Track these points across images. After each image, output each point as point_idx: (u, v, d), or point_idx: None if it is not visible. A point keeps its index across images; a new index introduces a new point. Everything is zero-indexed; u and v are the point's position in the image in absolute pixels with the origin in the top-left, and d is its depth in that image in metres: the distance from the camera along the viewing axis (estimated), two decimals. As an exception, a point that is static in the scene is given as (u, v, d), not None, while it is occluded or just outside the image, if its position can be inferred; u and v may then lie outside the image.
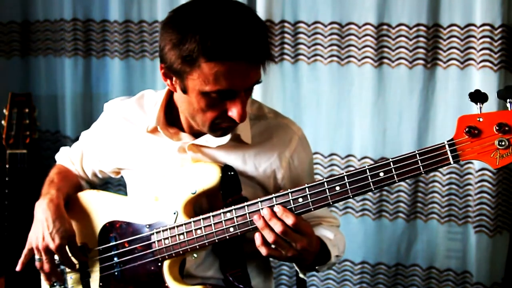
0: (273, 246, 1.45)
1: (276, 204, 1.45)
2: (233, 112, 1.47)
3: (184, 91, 1.49)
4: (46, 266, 1.66)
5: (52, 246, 1.61)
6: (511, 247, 2.54)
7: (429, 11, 2.46)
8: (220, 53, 1.37)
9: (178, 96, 1.57)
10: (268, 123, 1.69)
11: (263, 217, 1.44)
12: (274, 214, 1.44)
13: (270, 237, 1.43)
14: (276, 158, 1.66)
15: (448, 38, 2.46)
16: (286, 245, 1.44)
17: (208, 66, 1.39)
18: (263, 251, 1.46)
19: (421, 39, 2.47)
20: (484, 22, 2.35)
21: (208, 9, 1.41)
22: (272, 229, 1.43)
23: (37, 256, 1.66)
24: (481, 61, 2.37)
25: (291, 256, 1.46)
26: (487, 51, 2.36)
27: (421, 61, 2.49)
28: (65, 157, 1.93)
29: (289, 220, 1.42)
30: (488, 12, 2.34)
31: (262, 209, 1.46)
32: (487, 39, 2.35)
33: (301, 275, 1.73)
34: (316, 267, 1.63)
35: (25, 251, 1.69)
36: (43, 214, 1.65)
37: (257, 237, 1.45)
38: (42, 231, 1.63)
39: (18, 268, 1.70)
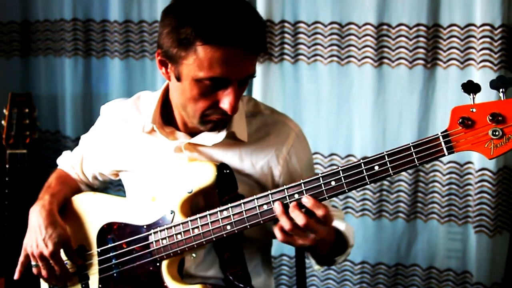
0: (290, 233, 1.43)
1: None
2: (225, 103, 1.47)
3: (178, 78, 1.50)
4: (43, 272, 1.67)
5: (46, 252, 1.62)
6: (511, 247, 2.53)
7: (429, 11, 2.45)
8: (217, 37, 1.39)
9: (172, 86, 1.58)
10: (264, 120, 1.70)
11: (283, 204, 1.42)
12: (298, 206, 1.40)
13: (287, 225, 1.41)
14: (273, 155, 1.66)
15: (448, 38, 2.45)
16: (304, 234, 1.42)
17: (204, 50, 1.40)
18: (280, 237, 1.43)
19: (421, 39, 2.47)
20: (484, 22, 2.35)
21: None
22: (290, 219, 1.40)
23: (33, 263, 1.67)
24: (481, 61, 2.37)
25: (307, 246, 1.44)
26: (487, 51, 2.35)
27: (421, 61, 2.49)
28: (65, 161, 1.94)
29: (320, 211, 1.39)
30: (488, 12, 2.34)
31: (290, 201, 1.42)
32: (487, 39, 2.35)
33: (316, 267, 1.70)
34: (335, 258, 1.61)
35: (21, 259, 1.69)
36: (36, 220, 1.66)
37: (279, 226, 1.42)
38: (35, 237, 1.64)
39: (16, 276, 1.70)
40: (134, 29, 2.88)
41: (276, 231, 1.44)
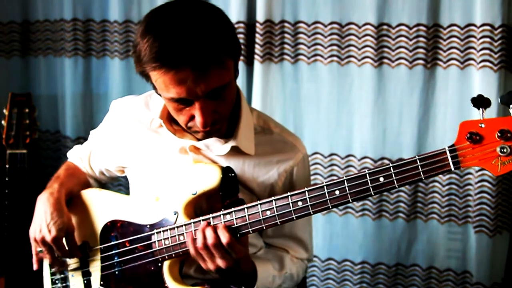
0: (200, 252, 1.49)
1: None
2: (196, 120, 1.47)
3: (159, 94, 1.52)
4: (47, 257, 1.67)
5: (48, 237, 1.62)
6: (511, 247, 2.54)
7: (429, 11, 2.46)
8: (161, 61, 1.36)
9: None
10: (272, 138, 1.70)
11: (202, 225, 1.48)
12: (212, 227, 1.46)
13: (199, 242, 1.47)
14: (275, 172, 1.67)
15: (448, 38, 2.45)
16: (210, 256, 1.48)
17: (155, 75, 1.41)
18: (191, 250, 1.49)
19: (421, 39, 2.47)
20: (484, 22, 2.35)
21: (158, 18, 1.41)
22: (205, 237, 1.46)
23: (38, 248, 1.67)
24: (481, 61, 2.37)
25: (214, 270, 1.50)
26: (487, 51, 2.36)
27: (421, 61, 2.49)
28: (75, 154, 1.95)
29: (224, 238, 1.45)
30: (488, 12, 2.34)
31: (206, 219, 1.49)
32: (487, 39, 2.35)
33: None
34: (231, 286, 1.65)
35: (33, 250, 1.69)
36: (42, 206, 1.67)
37: (188, 235, 1.49)
38: (40, 223, 1.64)
39: (35, 267, 1.71)
40: (134, 29, 2.88)
41: (189, 244, 1.49)
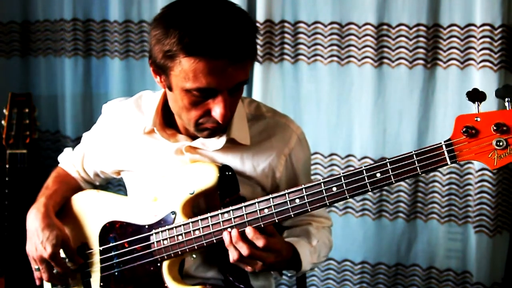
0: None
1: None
2: (216, 112, 1.46)
3: (169, 88, 1.50)
4: (44, 276, 1.67)
5: (45, 255, 1.62)
6: (511, 247, 2.53)
7: (429, 11, 2.46)
8: (199, 49, 1.37)
9: (167, 94, 1.58)
10: (266, 123, 1.69)
11: (230, 235, 1.47)
12: (241, 237, 1.46)
13: (234, 255, 1.47)
14: (275, 157, 1.66)
15: (448, 38, 2.45)
16: (251, 262, 1.49)
17: (187, 62, 1.39)
18: (231, 260, 1.49)
19: (421, 39, 2.47)
20: (484, 22, 2.35)
21: (194, 6, 1.41)
22: (237, 249, 1.46)
23: (35, 266, 1.67)
24: (481, 61, 2.37)
25: (258, 271, 1.51)
26: (487, 51, 2.36)
27: (421, 61, 2.49)
28: (66, 160, 1.94)
29: (260, 242, 1.45)
30: (488, 12, 2.34)
31: (232, 229, 1.48)
32: (487, 39, 2.35)
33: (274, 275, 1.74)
34: (284, 272, 1.66)
35: (32, 266, 1.69)
36: (32, 224, 1.67)
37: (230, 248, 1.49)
38: (34, 241, 1.64)
39: (37, 282, 1.72)
40: (134, 29, 2.88)
41: (229, 254, 1.49)
